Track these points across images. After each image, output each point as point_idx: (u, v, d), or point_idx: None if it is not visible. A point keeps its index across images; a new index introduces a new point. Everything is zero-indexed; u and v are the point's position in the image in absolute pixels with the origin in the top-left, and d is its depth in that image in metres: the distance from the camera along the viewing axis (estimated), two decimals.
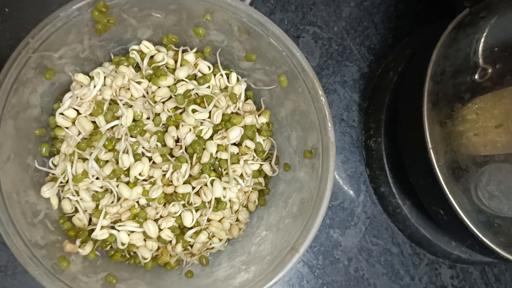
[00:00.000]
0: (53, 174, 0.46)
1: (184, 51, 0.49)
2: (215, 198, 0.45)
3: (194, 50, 0.49)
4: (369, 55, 0.59)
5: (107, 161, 0.44)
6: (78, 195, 0.44)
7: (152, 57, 0.47)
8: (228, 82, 0.49)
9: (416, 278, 0.57)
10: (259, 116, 0.49)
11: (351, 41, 0.58)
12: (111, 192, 0.45)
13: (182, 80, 0.47)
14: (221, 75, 0.49)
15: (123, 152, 0.44)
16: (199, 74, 0.49)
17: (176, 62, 0.48)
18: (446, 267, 0.58)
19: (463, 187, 0.45)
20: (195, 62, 0.49)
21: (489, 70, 0.45)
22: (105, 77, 0.45)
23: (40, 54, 0.39)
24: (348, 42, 0.58)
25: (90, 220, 0.47)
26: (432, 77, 0.46)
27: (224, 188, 0.46)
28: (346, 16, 0.59)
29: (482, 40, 0.45)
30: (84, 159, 0.44)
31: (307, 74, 0.41)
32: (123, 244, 0.46)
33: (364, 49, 0.59)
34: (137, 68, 0.49)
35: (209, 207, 0.46)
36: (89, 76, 0.47)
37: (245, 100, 0.50)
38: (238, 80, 0.50)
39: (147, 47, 0.48)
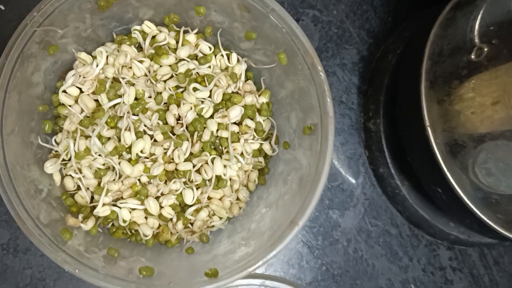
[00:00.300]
0: (56, 151, 0.46)
1: (185, 32, 0.49)
2: (216, 176, 0.46)
3: (195, 30, 0.49)
4: (368, 38, 0.59)
5: (109, 138, 0.44)
6: (81, 172, 0.45)
7: (154, 37, 0.47)
8: (229, 62, 0.49)
9: (415, 259, 0.57)
10: (259, 96, 0.49)
11: (350, 24, 0.59)
12: (113, 169, 0.46)
13: (183, 59, 0.47)
14: (222, 55, 0.49)
15: (125, 129, 0.44)
16: (200, 55, 0.49)
17: (177, 42, 0.48)
18: (445, 248, 0.58)
19: (461, 165, 0.46)
20: (196, 43, 0.49)
21: (486, 48, 0.45)
22: (107, 56, 0.46)
23: (45, 28, 0.40)
24: (347, 25, 0.59)
25: (92, 198, 0.47)
26: (430, 56, 0.46)
27: (225, 166, 0.46)
28: None
29: (479, 18, 0.46)
30: (87, 137, 0.45)
31: (307, 50, 0.41)
32: (124, 221, 0.46)
33: (363, 32, 0.59)
34: (139, 48, 0.49)
35: (210, 185, 0.46)
36: (92, 56, 0.48)
37: (246, 80, 0.50)
38: (238, 60, 0.50)
39: (149, 27, 0.48)
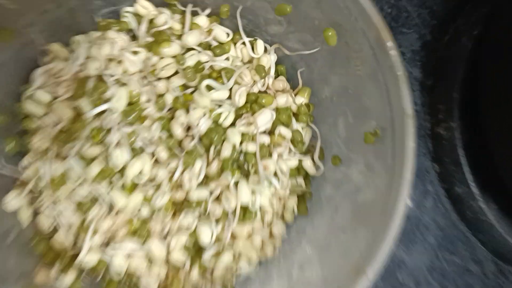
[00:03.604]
0: (23, 179, 0.37)
1: (193, 14, 0.40)
2: (241, 206, 0.37)
3: (207, 11, 0.40)
4: (431, 19, 0.47)
5: (94, 159, 0.36)
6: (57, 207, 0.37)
7: (152, 21, 0.39)
8: (254, 52, 0.41)
9: None
10: (295, 95, 0.41)
11: (407, 2, 0.47)
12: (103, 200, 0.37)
13: (192, 48, 0.38)
14: (244, 43, 0.41)
15: (116, 146, 0.36)
16: (215, 43, 0.40)
17: (183, 27, 0.39)
18: None
19: None
20: (209, 28, 0.40)
21: None
22: (89, 47, 0.37)
23: None
24: (403, 3, 0.47)
25: (76, 240, 0.38)
26: None
27: (253, 192, 0.38)
28: None
29: None
30: (64, 158, 0.36)
31: (369, 19, 0.30)
32: (118, 273, 0.37)
33: (425, 11, 0.47)
34: (133, 38, 0.40)
35: (234, 218, 0.38)
36: (68, 49, 0.39)
37: (276, 76, 0.42)
38: (266, 50, 0.41)
39: (145, 7, 0.39)
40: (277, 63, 0.41)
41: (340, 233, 0.35)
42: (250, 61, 0.41)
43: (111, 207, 0.37)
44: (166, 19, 0.38)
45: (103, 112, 0.36)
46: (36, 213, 0.37)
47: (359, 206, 0.34)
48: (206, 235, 0.37)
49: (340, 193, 0.38)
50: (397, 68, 0.30)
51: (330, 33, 0.34)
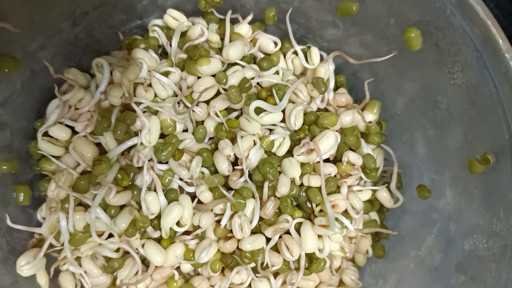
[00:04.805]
0: (40, 234, 0.31)
1: (233, 23, 0.35)
2: (306, 254, 0.32)
3: (249, 17, 0.35)
4: None
5: (122, 207, 0.31)
6: (81, 266, 0.31)
7: (184, 33, 0.34)
8: (308, 62, 0.36)
9: None
10: (362, 110, 0.35)
11: None
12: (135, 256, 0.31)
13: (236, 63, 0.33)
14: (295, 52, 0.36)
15: (148, 189, 0.31)
16: (261, 55, 0.36)
17: (222, 38, 0.34)
18: None
19: None
20: (253, 37, 0.35)
21: None
22: (112, 71, 0.32)
23: None
24: None
25: None
26: None
27: (320, 237, 0.32)
28: None
29: None
30: (87, 207, 0.32)
31: (473, 13, 0.22)
32: None
33: None
34: (163, 54, 0.36)
35: (299, 270, 0.32)
36: (90, 74, 0.33)
37: (335, 89, 0.36)
38: (322, 58, 0.36)
39: (175, 18, 0.34)
40: (336, 73, 0.36)
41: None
42: (303, 73, 0.36)
43: (146, 263, 0.32)
44: (201, 29, 0.32)
45: (131, 148, 0.32)
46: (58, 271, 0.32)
47: (465, 256, 0.28)
48: None
49: (428, 230, 0.33)
50: None
51: (412, 34, 0.28)
